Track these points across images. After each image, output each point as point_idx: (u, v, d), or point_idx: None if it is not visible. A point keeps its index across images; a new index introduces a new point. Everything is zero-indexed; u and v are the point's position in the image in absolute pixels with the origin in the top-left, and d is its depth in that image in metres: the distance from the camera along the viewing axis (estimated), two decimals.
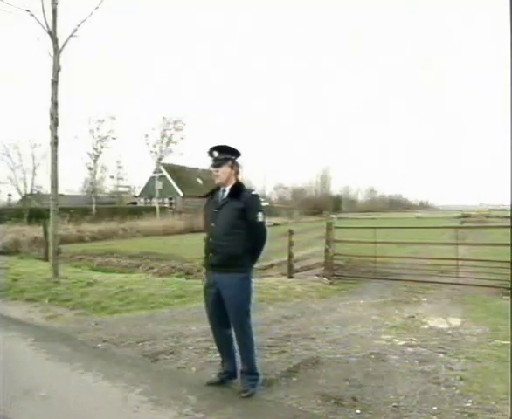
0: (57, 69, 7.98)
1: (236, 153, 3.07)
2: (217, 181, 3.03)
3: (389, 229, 12.31)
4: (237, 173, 3.08)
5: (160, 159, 37.07)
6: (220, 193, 3.08)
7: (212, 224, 3.00)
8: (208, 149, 3.04)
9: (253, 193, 3.04)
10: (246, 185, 3.20)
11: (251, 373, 3.02)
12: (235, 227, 2.91)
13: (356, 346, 3.99)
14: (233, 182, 3.04)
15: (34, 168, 34.59)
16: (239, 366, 3.10)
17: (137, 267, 12.58)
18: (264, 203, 3.08)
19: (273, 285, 7.06)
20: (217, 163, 3.00)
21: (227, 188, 3.03)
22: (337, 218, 9.89)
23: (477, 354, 3.70)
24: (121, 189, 45.97)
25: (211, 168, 3.05)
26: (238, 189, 3.00)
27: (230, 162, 3.02)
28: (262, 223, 2.97)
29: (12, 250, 15.43)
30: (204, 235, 3.16)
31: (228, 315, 2.99)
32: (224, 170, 3.00)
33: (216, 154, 3.01)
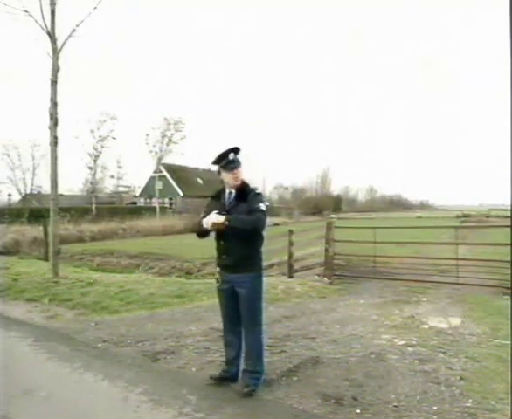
0: (56, 69, 7.98)
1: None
2: (236, 183, 3.04)
3: (389, 228, 12.32)
4: None
5: (160, 159, 37.05)
6: (227, 195, 3.10)
7: None
8: (222, 151, 3.03)
9: (257, 191, 3.08)
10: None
11: (255, 371, 3.04)
12: None
13: (356, 345, 3.99)
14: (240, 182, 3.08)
15: (34, 168, 34.70)
16: (242, 366, 3.12)
17: (137, 267, 12.60)
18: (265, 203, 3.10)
19: (273, 284, 7.06)
20: (236, 165, 3.03)
21: (234, 190, 3.06)
22: (337, 218, 9.87)
23: (477, 354, 3.70)
24: (120, 189, 45.99)
25: (229, 171, 3.02)
26: (245, 191, 3.04)
27: (241, 164, 3.07)
28: (263, 211, 2.96)
29: (12, 250, 15.45)
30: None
31: (241, 313, 3.05)
32: (241, 171, 3.05)
33: (232, 155, 3.03)
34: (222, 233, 3.00)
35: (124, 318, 5.29)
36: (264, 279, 3.14)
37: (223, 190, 3.13)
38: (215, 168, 3.14)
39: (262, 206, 2.97)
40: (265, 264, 3.26)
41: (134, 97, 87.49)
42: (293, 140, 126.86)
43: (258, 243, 3.06)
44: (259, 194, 3.07)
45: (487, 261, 7.23)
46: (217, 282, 3.16)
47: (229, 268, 3.04)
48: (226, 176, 3.05)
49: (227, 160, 3.02)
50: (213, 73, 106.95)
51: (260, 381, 3.05)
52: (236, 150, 3.06)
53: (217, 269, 3.15)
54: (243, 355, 3.13)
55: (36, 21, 7.81)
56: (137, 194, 45.71)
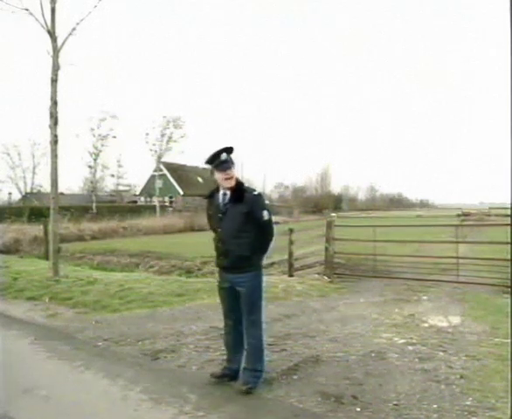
0: (56, 68, 7.97)
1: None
2: (229, 184, 2.97)
3: (389, 227, 12.29)
4: None
5: (160, 157, 37.05)
6: (221, 196, 3.03)
7: (219, 229, 3.03)
8: (214, 152, 2.97)
9: (256, 193, 3.01)
10: (246, 184, 3.16)
11: (255, 369, 3.05)
12: (242, 231, 2.93)
13: (356, 344, 3.99)
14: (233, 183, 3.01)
15: (34, 167, 34.72)
16: (243, 364, 3.13)
17: (137, 266, 12.59)
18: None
19: (273, 283, 7.05)
20: (228, 165, 2.96)
21: (228, 191, 2.99)
22: (337, 217, 9.86)
23: (477, 353, 3.70)
24: (121, 188, 46.00)
25: (222, 172, 2.95)
26: (240, 191, 2.97)
27: (235, 164, 3.02)
28: (269, 221, 2.98)
29: (12, 248, 15.43)
30: (212, 234, 3.19)
31: (242, 312, 3.06)
32: (234, 171, 2.99)
33: (225, 155, 2.97)
34: (220, 234, 3.01)
35: (124, 316, 5.30)
36: (264, 278, 3.14)
37: (216, 190, 3.08)
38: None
39: (265, 215, 2.95)
40: (265, 262, 3.27)
41: (135, 96, 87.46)
42: (293, 140, 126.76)
43: (256, 243, 3.00)
44: (259, 195, 3.02)
45: (487, 259, 7.22)
46: (217, 280, 3.19)
47: (227, 269, 3.05)
48: (219, 177, 2.98)
49: (219, 160, 2.96)
50: (213, 72, 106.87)
51: (260, 380, 3.05)
52: (228, 150, 2.99)
53: (217, 268, 3.16)
54: (244, 353, 3.13)
55: (36, 19, 7.81)
56: (137, 192, 45.73)
